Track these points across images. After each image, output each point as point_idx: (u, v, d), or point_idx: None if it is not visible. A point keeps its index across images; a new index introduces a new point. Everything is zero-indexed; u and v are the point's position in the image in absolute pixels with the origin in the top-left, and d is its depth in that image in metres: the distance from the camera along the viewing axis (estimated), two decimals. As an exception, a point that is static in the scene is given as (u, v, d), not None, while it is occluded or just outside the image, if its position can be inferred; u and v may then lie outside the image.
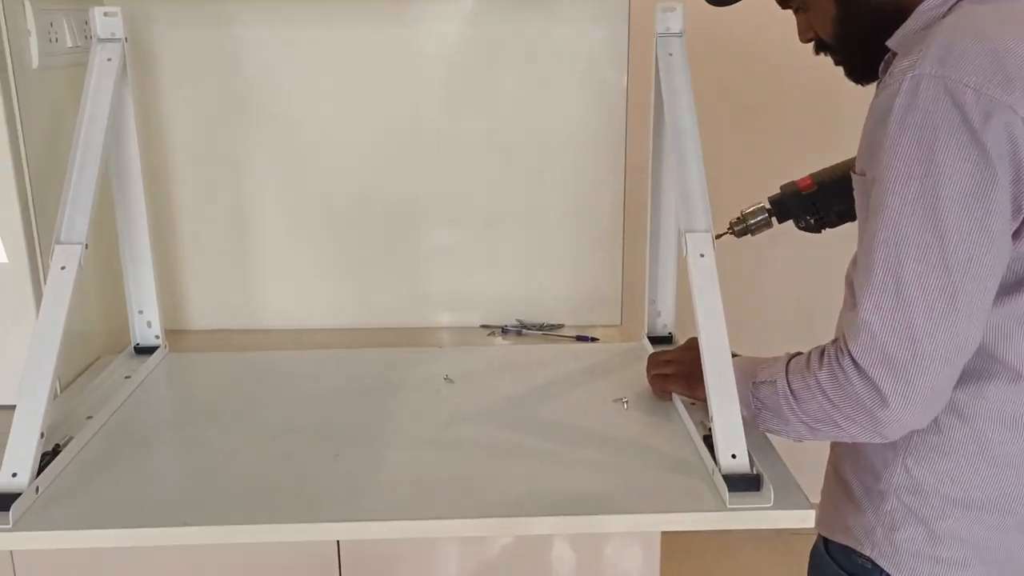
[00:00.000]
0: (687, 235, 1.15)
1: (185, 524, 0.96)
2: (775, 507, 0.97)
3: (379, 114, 1.53)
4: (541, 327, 1.59)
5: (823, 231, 1.32)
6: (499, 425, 1.19)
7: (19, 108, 1.20)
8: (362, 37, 1.49)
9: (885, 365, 0.90)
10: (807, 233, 1.34)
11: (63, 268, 1.11)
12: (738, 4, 1.14)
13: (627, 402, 1.24)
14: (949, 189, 0.87)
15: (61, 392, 1.28)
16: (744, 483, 0.98)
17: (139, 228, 1.37)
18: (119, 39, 1.28)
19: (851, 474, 1.08)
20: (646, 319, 1.45)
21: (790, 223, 1.35)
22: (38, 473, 1.01)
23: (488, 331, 1.59)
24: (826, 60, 1.09)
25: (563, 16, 1.48)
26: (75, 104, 1.23)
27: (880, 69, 1.02)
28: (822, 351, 0.97)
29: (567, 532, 1.10)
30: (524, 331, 1.58)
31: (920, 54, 0.90)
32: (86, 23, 1.31)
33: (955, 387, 0.94)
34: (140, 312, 1.40)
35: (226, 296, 1.60)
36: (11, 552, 1.09)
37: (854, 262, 1.01)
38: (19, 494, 0.97)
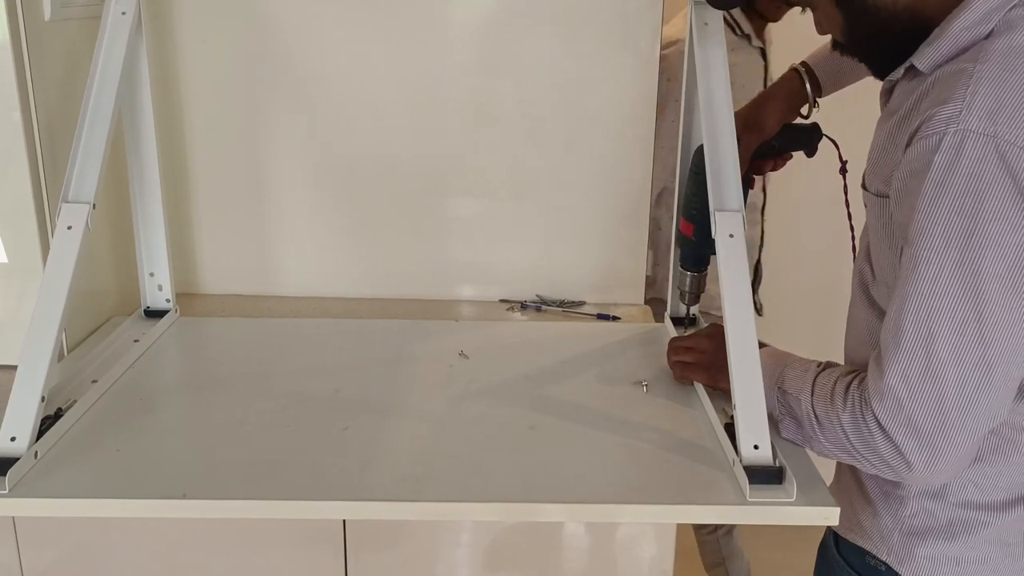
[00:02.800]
0: (717, 214, 1.10)
1: (185, 497, 0.93)
2: (797, 502, 0.93)
3: (404, 80, 1.48)
4: (562, 303, 1.54)
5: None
6: (512, 404, 1.15)
7: (29, 61, 1.16)
8: (388, 2, 1.44)
9: (911, 433, 0.86)
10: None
11: (69, 228, 1.08)
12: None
13: (647, 385, 1.19)
14: (992, 263, 0.81)
15: (68, 353, 1.26)
16: (766, 475, 0.94)
17: (152, 188, 1.33)
18: (134, -8, 1.24)
19: (867, 474, 1.03)
20: (669, 300, 1.40)
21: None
22: (38, 437, 0.99)
23: (507, 306, 1.55)
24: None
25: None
26: (89, 58, 1.19)
27: (900, 74, 0.94)
28: (847, 387, 0.92)
29: (578, 520, 1.06)
30: (544, 307, 1.53)
31: (965, 102, 0.81)
32: (101, -26, 1.27)
33: None
34: (151, 275, 1.37)
35: (241, 260, 1.56)
36: (13, 518, 1.07)
37: (869, 264, 0.98)
38: (17, 459, 0.95)
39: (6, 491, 0.92)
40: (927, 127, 0.83)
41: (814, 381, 0.96)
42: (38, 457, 0.98)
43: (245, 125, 1.50)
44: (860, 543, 1.04)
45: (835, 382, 0.94)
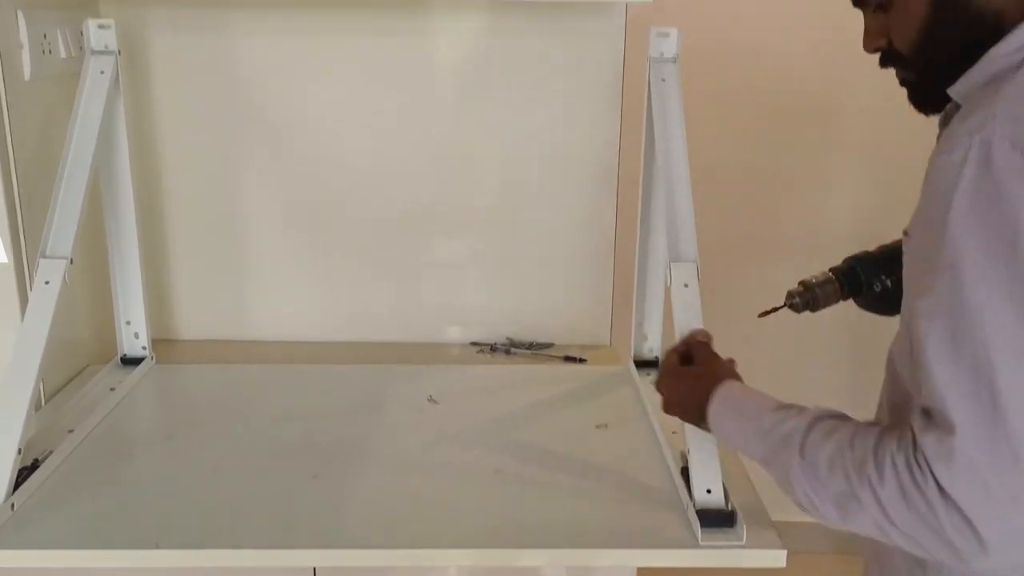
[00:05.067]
0: (672, 264, 1.15)
1: (158, 546, 0.96)
2: (747, 545, 0.97)
3: (372, 127, 1.53)
4: (531, 346, 1.58)
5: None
6: (480, 448, 1.19)
7: (9, 120, 1.20)
8: (357, 47, 1.49)
9: (985, 500, 0.71)
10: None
11: (47, 283, 1.12)
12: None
13: (607, 426, 1.23)
14: None
15: (45, 403, 1.29)
16: (718, 520, 0.98)
17: (128, 239, 1.37)
18: (112, 52, 1.28)
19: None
20: (632, 343, 1.45)
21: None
22: (14, 489, 1.01)
23: (477, 348, 1.58)
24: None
25: (561, 34, 1.47)
26: (69, 113, 1.23)
27: (940, 119, 0.88)
28: (875, 449, 0.76)
29: (544, 564, 1.09)
30: (513, 349, 1.57)
31: (988, 114, 0.75)
32: (80, 33, 1.31)
33: None
34: (127, 323, 1.40)
35: (216, 306, 1.60)
36: (-11, 566, 1.09)
37: (900, 342, 0.88)
38: (-6, 511, 0.97)
39: (-17, 543, 0.95)
40: (951, 142, 0.76)
41: (801, 451, 0.81)
42: (14, 509, 1.01)
43: (220, 173, 1.54)
44: None
45: (850, 445, 0.78)
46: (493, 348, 1.58)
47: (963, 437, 0.71)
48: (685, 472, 1.07)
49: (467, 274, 1.60)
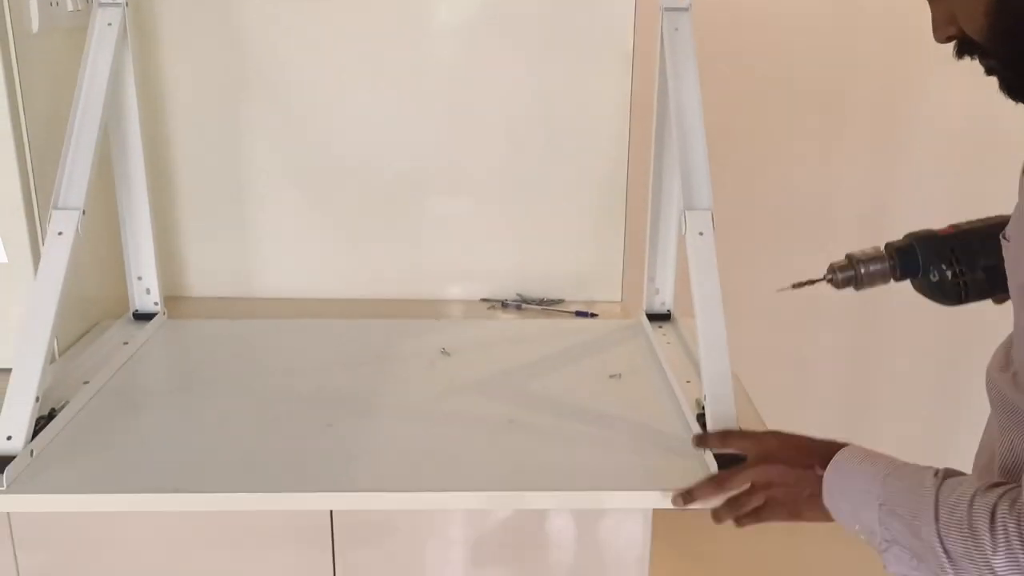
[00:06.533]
0: (687, 213, 1.14)
1: (177, 491, 0.96)
2: (764, 487, 0.97)
3: (382, 83, 1.52)
4: (541, 302, 1.58)
5: (961, 301, 0.99)
6: (494, 398, 1.19)
7: (19, 73, 1.19)
8: (366, 3, 1.47)
9: None
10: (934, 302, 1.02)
11: (60, 234, 1.11)
12: None
13: (621, 376, 1.24)
14: None
15: (59, 356, 1.29)
16: (733, 462, 0.98)
17: (138, 194, 1.36)
18: (120, 3, 1.27)
19: None
20: (644, 296, 1.45)
21: None
22: (33, 437, 1.02)
23: (488, 305, 1.59)
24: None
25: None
26: (76, 68, 1.22)
27: None
28: (991, 513, 0.68)
29: (557, 507, 1.10)
30: (524, 305, 1.57)
31: None
32: (87, -14, 1.30)
33: None
34: (139, 278, 1.40)
35: (226, 264, 1.60)
36: (8, 514, 1.10)
37: (997, 362, 0.80)
38: (13, 457, 0.98)
39: (3, 487, 0.95)
40: None
41: (936, 500, 0.72)
42: (34, 455, 1.01)
43: (228, 130, 1.54)
44: None
45: (971, 503, 0.70)
46: (504, 304, 1.58)
47: None
48: (701, 418, 1.07)
49: (476, 231, 1.59)
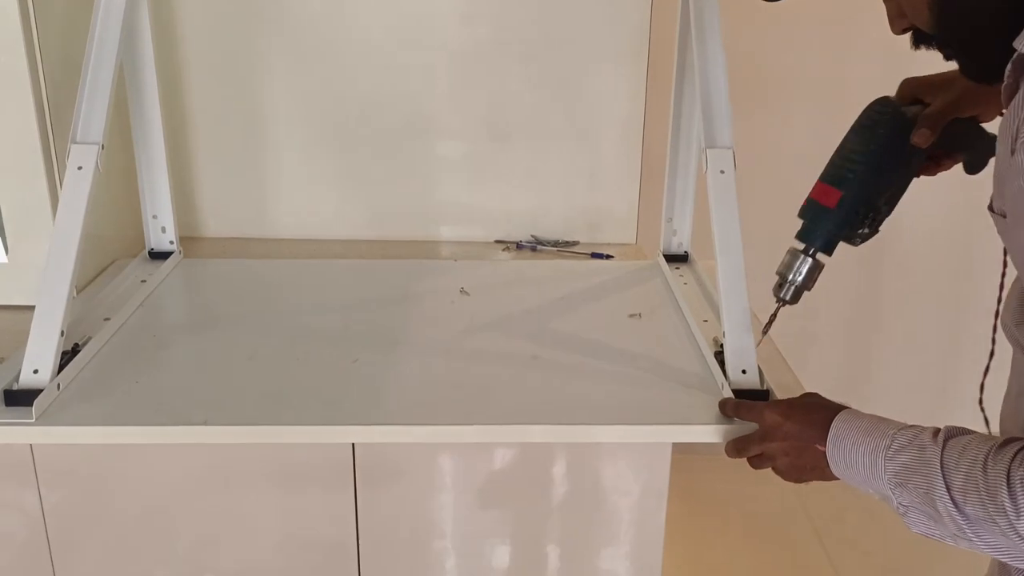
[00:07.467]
0: (708, 151, 1.14)
1: (205, 423, 0.97)
2: (785, 421, 0.98)
3: (398, 22, 1.50)
4: (556, 243, 1.58)
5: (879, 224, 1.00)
6: (514, 336, 1.19)
7: (34, 12, 1.18)
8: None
9: None
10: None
11: (80, 168, 1.10)
12: None
13: (640, 315, 1.24)
14: None
15: (77, 294, 1.29)
16: (753, 397, 0.99)
17: (154, 133, 1.35)
18: (133, -63, 1.25)
19: None
20: (662, 237, 1.44)
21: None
22: (59, 371, 1.03)
23: (503, 246, 1.59)
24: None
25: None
26: (91, 4, 1.20)
27: (1007, 71, 0.75)
28: (1007, 476, 0.69)
29: (576, 441, 1.11)
30: (539, 247, 1.58)
31: None
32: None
33: None
34: (154, 217, 1.40)
35: (239, 204, 1.59)
36: (31, 447, 1.11)
37: (1011, 311, 0.81)
38: (41, 390, 0.98)
39: (32, 420, 0.96)
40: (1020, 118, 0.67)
41: (942, 467, 0.74)
42: (60, 389, 1.02)
43: (242, 72, 1.52)
44: None
45: (983, 467, 0.71)
46: (519, 245, 1.58)
47: None
48: (719, 356, 1.08)
49: (491, 171, 1.58)
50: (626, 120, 1.54)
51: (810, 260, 0.98)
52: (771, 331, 1.07)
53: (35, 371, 1.00)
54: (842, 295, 2.32)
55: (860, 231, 0.97)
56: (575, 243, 1.59)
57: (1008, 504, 0.68)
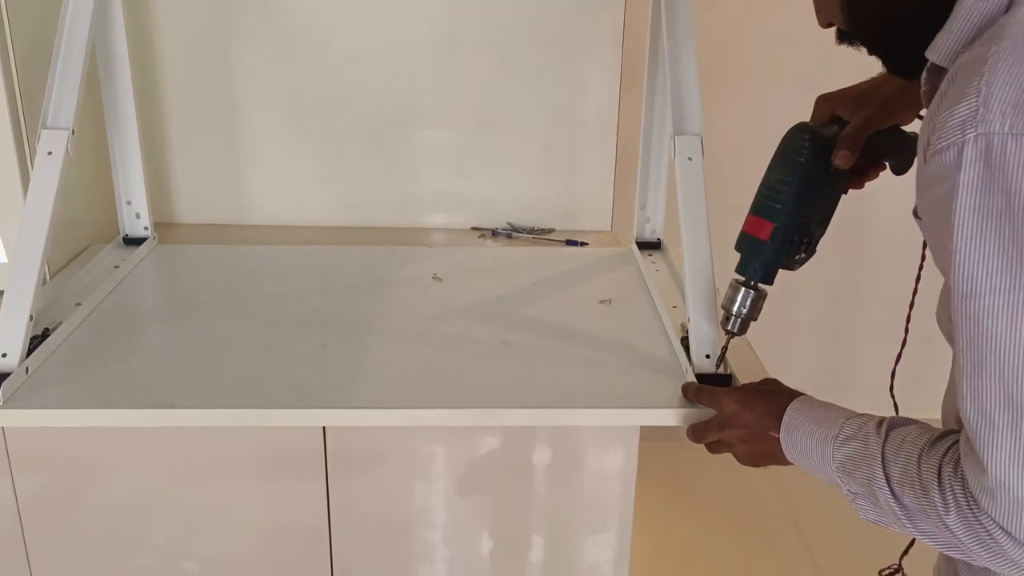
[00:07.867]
0: (676, 138, 1.15)
1: (174, 406, 0.98)
2: (747, 405, 0.99)
3: (374, 11, 1.50)
4: (531, 231, 1.59)
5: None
6: (486, 322, 1.20)
7: (5, -4, 1.18)
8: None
9: None
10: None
11: (50, 153, 1.11)
12: None
13: (611, 301, 1.25)
14: None
15: (50, 279, 1.29)
16: (716, 382, 1.01)
17: (127, 118, 1.35)
18: (105, -80, 1.25)
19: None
20: (635, 225, 1.46)
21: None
22: (28, 355, 1.03)
23: (478, 233, 1.59)
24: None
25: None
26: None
27: (923, 78, 0.74)
28: (938, 474, 0.71)
29: (544, 424, 1.12)
30: (514, 234, 1.58)
31: (980, 97, 0.63)
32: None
33: None
34: (128, 203, 1.40)
35: (214, 190, 1.59)
36: (2, 429, 1.11)
37: (944, 308, 0.82)
38: (9, 373, 0.99)
39: (0, 403, 0.97)
40: (940, 136, 0.65)
41: (882, 458, 0.76)
42: (29, 372, 1.02)
43: (218, 56, 1.52)
44: None
45: (918, 461, 0.73)
46: (494, 233, 1.59)
47: (1001, 472, 0.66)
48: (685, 341, 1.09)
49: (467, 159, 1.59)
50: (601, 109, 1.55)
51: (752, 292, 0.99)
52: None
53: (3, 355, 1.01)
54: (818, 287, 2.34)
55: (797, 256, 0.98)
56: (551, 230, 1.60)
57: (938, 499, 0.71)
